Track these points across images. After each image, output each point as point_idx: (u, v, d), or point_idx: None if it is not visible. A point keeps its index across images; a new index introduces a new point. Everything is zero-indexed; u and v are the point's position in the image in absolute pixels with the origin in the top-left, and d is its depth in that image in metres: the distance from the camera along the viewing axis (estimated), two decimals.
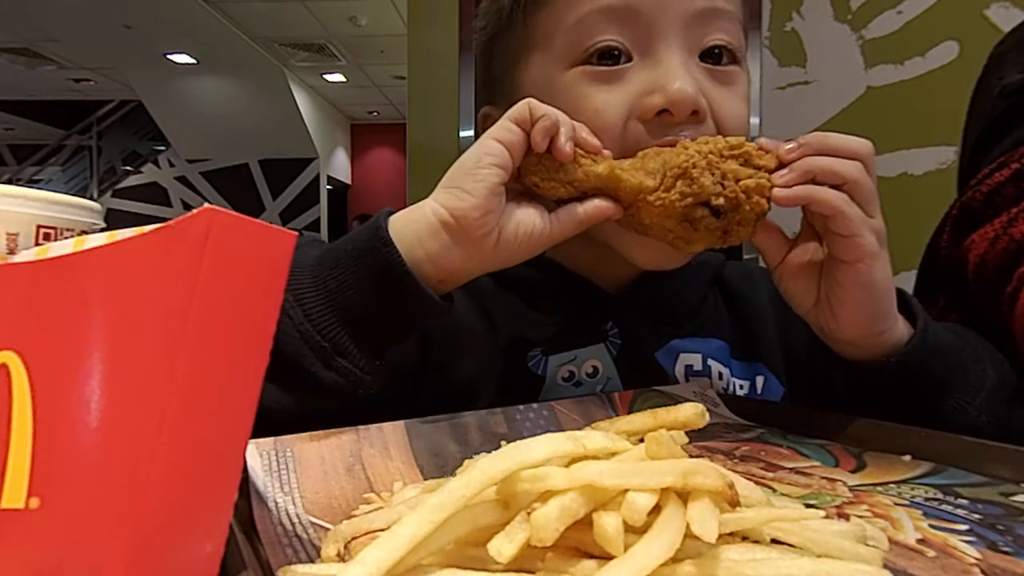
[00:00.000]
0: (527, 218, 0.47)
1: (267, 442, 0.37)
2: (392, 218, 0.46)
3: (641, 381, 0.56)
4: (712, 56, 0.51)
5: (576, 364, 0.58)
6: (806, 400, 0.62)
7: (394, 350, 0.47)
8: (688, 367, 0.60)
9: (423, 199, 0.47)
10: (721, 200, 0.44)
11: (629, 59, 0.50)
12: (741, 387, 0.62)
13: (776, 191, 0.44)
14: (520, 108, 0.46)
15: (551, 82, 0.53)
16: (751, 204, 0.44)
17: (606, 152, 0.47)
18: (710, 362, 0.61)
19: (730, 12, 0.52)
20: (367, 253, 0.45)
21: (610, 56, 0.50)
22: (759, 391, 0.62)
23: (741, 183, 0.44)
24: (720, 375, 0.61)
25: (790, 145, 0.45)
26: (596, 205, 0.47)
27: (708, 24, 0.51)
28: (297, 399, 0.43)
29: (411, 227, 0.46)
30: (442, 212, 0.45)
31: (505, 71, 0.59)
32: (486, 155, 0.45)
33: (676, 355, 0.60)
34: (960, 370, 0.49)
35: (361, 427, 0.40)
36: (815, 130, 0.46)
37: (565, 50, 0.52)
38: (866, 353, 0.48)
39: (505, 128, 0.46)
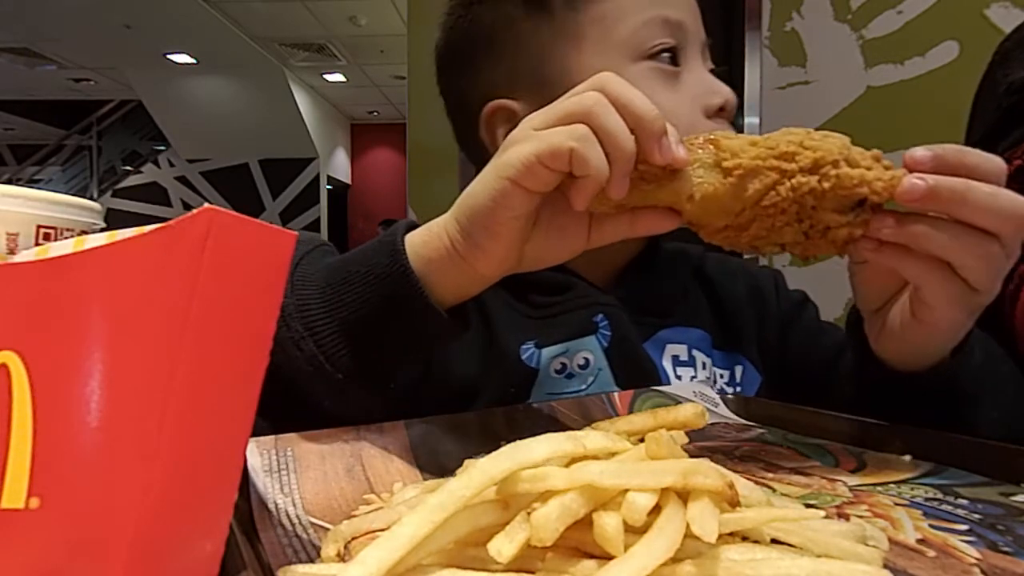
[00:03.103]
0: (555, 244, 0.42)
1: (268, 440, 0.37)
2: (409, 241, 0.43)
3: (631, 372, 0.58)
4: None
5: (568, 356, 0.59)
6: (786, 390, 0.63)
7: (406, 372, 0.46)
8: (675, 357, 0.61)
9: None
10: (796, 250, 0.39)
11: (678, 64, 0.57)
12: (722, 376, 0.63)
13: (864, 244, 0.38)
14: (556, 146, 0.36)
15: (618, 73, 0.54)
16: (836, 248, 0.38)
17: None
18: (694, 352, 0.62)
19: None
20: (385, 280, 0.41)
21: (671, 57, 0.56)
22: (738, 380, 0.64)
23: (829, 233, 0.38)
24: (704, 365, 0.62)
25: (916, 181, 0.35)
26: (652, 222, 0.40)
27: (706, 49, 0.60)
28: (300, 426, 0.40)
29: (428, 256, 0.42)
30: (455, 253, 0.41)
31: (541, 62, 0.58)
32: (505, 208, 0.38)
33: (663, 346, 0.62)
34: (987, 384, 0.47)
35: (362, 427, 0.40)
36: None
37: (628, 45, 0.56)
38: (912, 366, 0.45)
39: (526, 169, 0.37)
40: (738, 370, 0.64)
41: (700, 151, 0.38)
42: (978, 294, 0.38)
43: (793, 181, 0.36)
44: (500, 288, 0.61)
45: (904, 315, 0.42)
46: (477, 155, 0.64)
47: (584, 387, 0.58)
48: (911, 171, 0.36)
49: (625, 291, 0.62)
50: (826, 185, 0.36)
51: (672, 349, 0.62)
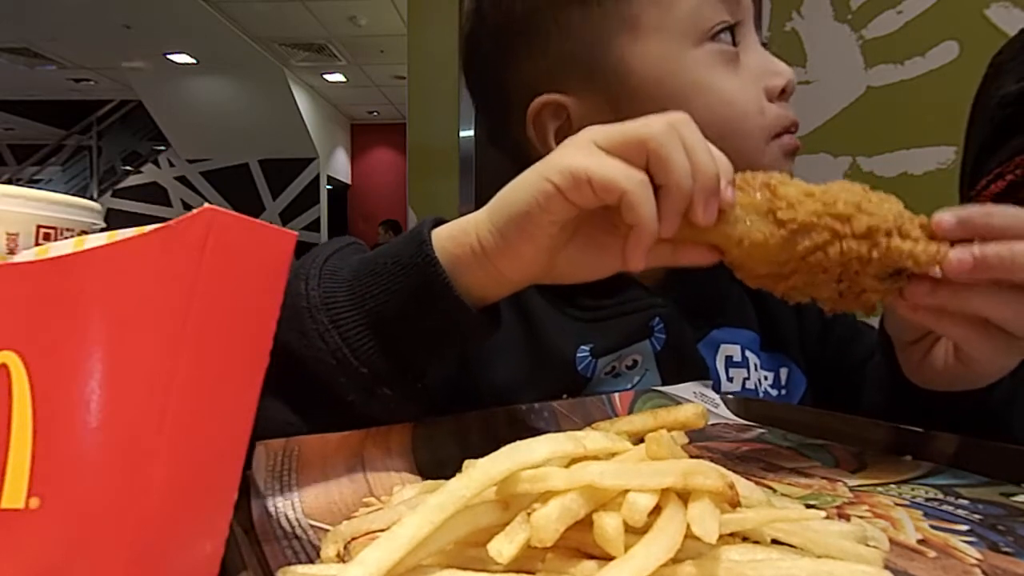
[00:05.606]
0: (591, 261, 0.41)
1: (278, 443, 0.36)
2: (436, 235, 0.41)
3: (680, 374, 0.56)
4: None
5: (618, 359, 0.57)
6: (829, 392, 0.62)
7: (436, 371, 0.44)
8: (728, 358, 0.60)
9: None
10: (827, 305, 0.40)
11: (736, 42, 0.54)
12: (766, 378, 0.61)
13: (899, 305, 0.39)
14: (610, 180, 0.35)
15: (677, 60, 0.52)
16: (866, 309, 0.39)
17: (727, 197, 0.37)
18: (747, 353, 0.60)
19: None
20: (411, 271, 0.40)
21: (730, 37, 0.53)
22: (783, 382, 0.62)
23: (863, 296, 0.38)
24: (756, 366, 0.60)
25: (959, 256, 0.36)
26: (693, 256, 0.40)
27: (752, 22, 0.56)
28: (325, 425, 0.39)
29: (455, 252, 0.40)
30: (481, 254, 0.40)
31: (592, 51, 0.53)
32: (544, 211, 0.37)
33: (717, 346, 0.60)
34: (1021, 387, 0.47)
35: (372, 429, 0.40)
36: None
37: (688, 26, 0.52)
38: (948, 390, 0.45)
39: (575, 182, 0.35)
40: (783, 372, 0.62)
41: (756, 194, 0.38)
42: (1022, 341, 0.38)
43: (844, 244, 0.36)
44: (542, 288, 0.56)
45: (948, 358, 0.42)
46: (515, 150, 0.59)
47: (629, 386, 0.56)
48: (942, 238, 0.36)
49: (678, 291, 0.60)
50: (875, 254, 0.36)
51: (726, 350, 0.60)
